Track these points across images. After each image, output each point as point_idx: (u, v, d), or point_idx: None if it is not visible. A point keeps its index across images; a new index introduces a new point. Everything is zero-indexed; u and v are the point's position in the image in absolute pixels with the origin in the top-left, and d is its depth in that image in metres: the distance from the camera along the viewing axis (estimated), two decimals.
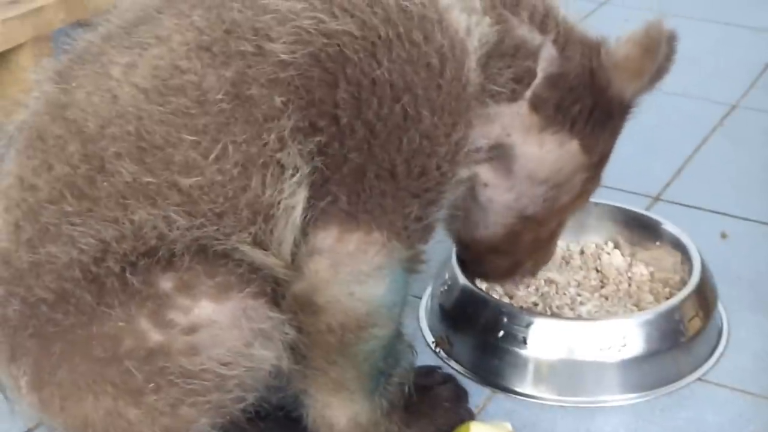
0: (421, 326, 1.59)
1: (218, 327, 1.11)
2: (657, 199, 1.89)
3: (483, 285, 1.57)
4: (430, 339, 1.57)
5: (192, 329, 1.11)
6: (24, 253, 1.13)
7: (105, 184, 1.12)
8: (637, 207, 1.73)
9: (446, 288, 1.57)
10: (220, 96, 1.12)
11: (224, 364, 1.12)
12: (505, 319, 1.48)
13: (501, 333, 1.47)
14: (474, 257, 1.45)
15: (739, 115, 2.18)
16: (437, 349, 1.55)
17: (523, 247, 1.39)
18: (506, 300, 1.58)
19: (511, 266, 1.44)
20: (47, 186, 1.13)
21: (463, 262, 1.51)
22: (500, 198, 1.33)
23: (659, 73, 1.29)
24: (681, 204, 1.87)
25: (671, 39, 1.28)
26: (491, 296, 1.53)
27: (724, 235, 1.78)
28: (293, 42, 1.14)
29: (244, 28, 1.15)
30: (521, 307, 1.55)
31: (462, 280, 1.53)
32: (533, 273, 1.52)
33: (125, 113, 1.13)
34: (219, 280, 1.12)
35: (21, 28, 1.96)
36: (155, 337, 1.11)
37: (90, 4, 2.01)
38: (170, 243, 1.11)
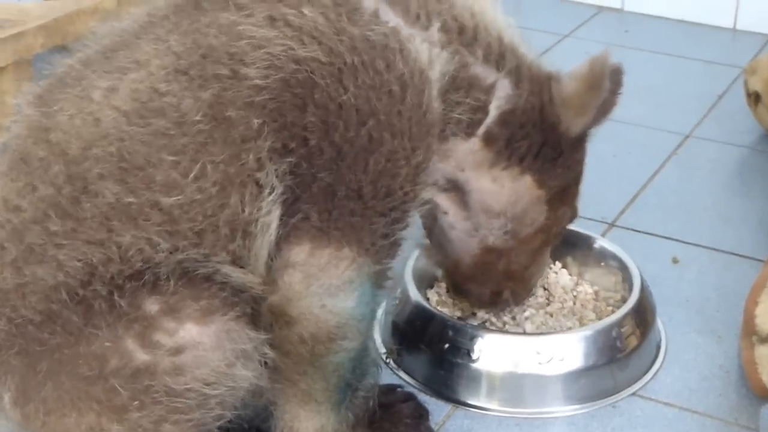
0: (375, 340, 1.62)
1: (202, 348, 1.14)
2: (612, 225, 1.93)
3: (433, 299, 1.63)
4: (382, 351, 1.61)
5: (177, 350, 1.13)
6: (9, 274, 1.14)
7: (88, 204, 1.14)
8: (593, 233, 1.76)
9: (398, 303, 1.61)
10: (198, 117, 1.15)
11: (207, 384, 1.14)
12: (450, 333, 1.52)
13: (446, 345, 1.52)
14: (455, 285, 1.50)
15: (692, 144, 2.23)
16: (387, 360, 1.59)
17: (496, 277, 1.43)
18: (457, 314, 1.62)
19: (491, 295, 1.48)
20: (31, 207, 1.15)
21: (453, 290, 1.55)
22: (460, 226, 1.37)
23: (605, 107, 1.31)
24: (635, 230, 1.92)
25: (616, 73, 1.30)
26: (438, 311, 1.56)
27: (675, 261, 1.83)
28: (266, 67, 1.17)
29: (219, 52, 1.17)
30: (466, 322, 1.58)
31: (413, 296, 1.58)
32: (516, 303, 1.54)
33: (107, 135, 1.15)
34: (203, 303, 1.14)
35: (2, 53, 1.97)
36: (141, 357, 1.13)
37: (69, 30, 2.03)
38: (155, 266, 1.13)
